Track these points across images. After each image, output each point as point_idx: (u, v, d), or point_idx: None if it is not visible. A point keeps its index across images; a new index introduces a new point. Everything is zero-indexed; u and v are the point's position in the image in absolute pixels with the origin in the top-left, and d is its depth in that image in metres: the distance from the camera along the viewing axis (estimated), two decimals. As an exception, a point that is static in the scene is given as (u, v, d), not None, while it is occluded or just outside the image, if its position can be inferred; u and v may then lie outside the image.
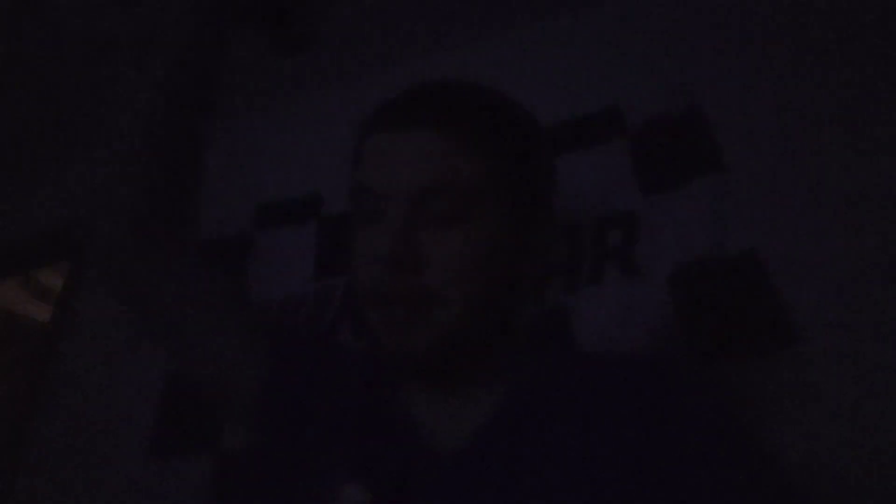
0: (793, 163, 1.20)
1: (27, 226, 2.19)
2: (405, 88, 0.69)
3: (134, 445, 1.44)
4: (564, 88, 1.45)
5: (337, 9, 1.80)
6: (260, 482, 0.69)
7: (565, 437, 0.58)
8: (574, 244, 1.26)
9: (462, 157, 0.62)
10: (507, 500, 0.57)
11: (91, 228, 1.90)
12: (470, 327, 0.62)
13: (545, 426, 0.60)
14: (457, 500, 0.58)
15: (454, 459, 0.61)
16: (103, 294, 1.77)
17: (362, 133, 0.68)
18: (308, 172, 1.62)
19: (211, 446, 1.31)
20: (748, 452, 0.59)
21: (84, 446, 1.55)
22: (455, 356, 0.64)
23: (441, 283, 0.60)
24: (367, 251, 0.61)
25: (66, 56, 1.85)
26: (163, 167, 0.69)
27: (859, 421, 0.92)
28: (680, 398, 0.60)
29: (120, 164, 0.69)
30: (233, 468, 0.71)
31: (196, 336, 0.69)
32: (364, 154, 0.66)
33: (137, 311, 0.72)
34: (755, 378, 1.00)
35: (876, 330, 0.98)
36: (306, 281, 1.46)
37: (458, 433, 0.63)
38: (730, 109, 1.29)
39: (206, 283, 0.72)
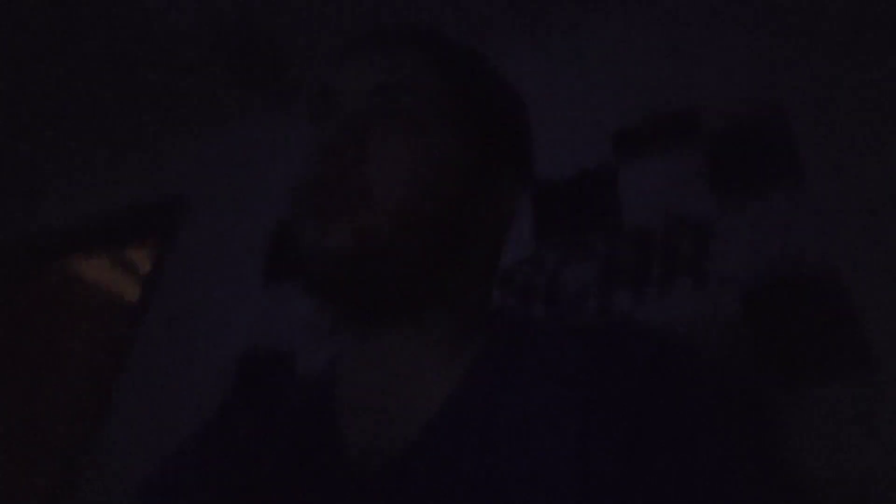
0: (880, 180, 1.13)
1: (120, 201, 2.32)
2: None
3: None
4: (640, 89, 1.42)
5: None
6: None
7: (514, 442, 0.52)
8: (642, 248, 1.24)
9: (427, 68, 0.60)
10: None
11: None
12: (399, 244, 0.55)
13: (498, 424, 0.53)
14: None
15: (377, 479, 0.55)
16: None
17: (335, 56, 0.66)
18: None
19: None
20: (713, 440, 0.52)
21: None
22: (379, 275, 0.56)
23: (376, 180, 0.54)
24: (313, 144, 0.58)
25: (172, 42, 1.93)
26: None
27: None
28: (649, 376, 0.53)
29: None
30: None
31: None
32: (331, 69, 0.64)
33: None
34: (829, 403, 0.96)
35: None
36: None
37: (390, 448, 0.56)
38: (816, 119, 1.23)
39: None
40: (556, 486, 0.49)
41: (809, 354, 1.01)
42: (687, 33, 1.44)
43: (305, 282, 0.59)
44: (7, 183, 2.41)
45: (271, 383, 0.72)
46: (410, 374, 0.58)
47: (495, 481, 0.50)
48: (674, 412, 0.51)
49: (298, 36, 1.65)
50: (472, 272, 0.62)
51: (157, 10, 1.73)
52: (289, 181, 1.90)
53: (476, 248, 0.61)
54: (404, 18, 1.63)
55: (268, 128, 2.07)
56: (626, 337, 0.56)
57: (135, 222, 2.29)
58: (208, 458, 0.64)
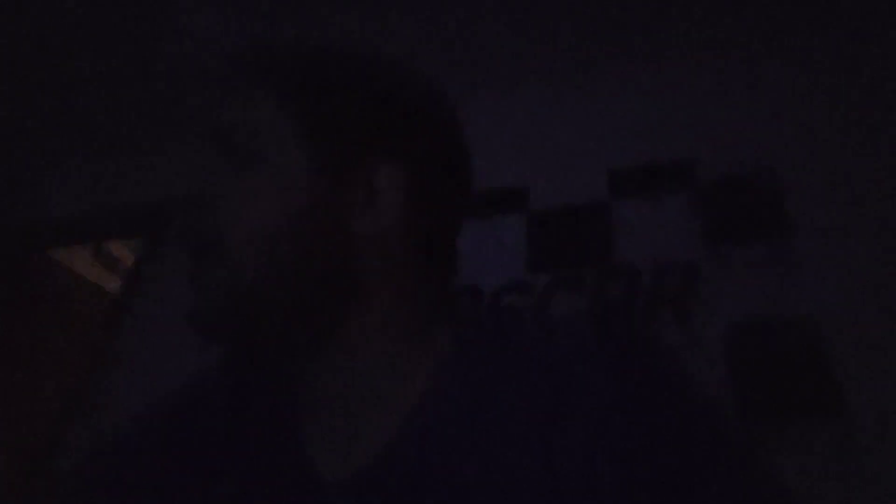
0: (861, 237, 1.20)
1: (109, 199, 2.31)
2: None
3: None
4: (640, 136, 1.48)
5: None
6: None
7: (480, 454, 0.50)
8: (630, 284, 1.28)
9: (260, 103, 0.59)
10: None
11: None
12: (265, 276, 0.54)
13: (470, 424, 0.52)
14: None
15: (338, 490, 0.54)
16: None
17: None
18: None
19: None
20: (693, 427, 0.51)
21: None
22: (255, 318, 0.55)
23: (231, 231, 0.54)
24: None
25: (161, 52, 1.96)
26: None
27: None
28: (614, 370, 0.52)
29: None
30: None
31: None
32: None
33: None
34: (800, 443, 1.00)
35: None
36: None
37: (359, 454, 0.55)
38: (804, 177, 1.30)
39: None
40: (528, 486, 0.48)
41: (784, 393, 1.06)
42: (691, 89, 1.52)
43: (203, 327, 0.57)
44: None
45: (224, 396, 0.66)
46: (368, 383, 0.57)
47: (465, 488, 0.49)
48: (646, 406, 0.50)
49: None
50: (378, 270, 0.59)
51: (152, 15, 1.76)
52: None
53: (367, 245, 0.58)
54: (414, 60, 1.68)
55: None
56: (595, 332, 0.55)
57: (125, 219, 2.29)
58: (155, 461, 0.61)
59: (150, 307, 1.88)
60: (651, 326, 1.22)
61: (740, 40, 1.53)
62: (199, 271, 0.55)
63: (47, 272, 2.54)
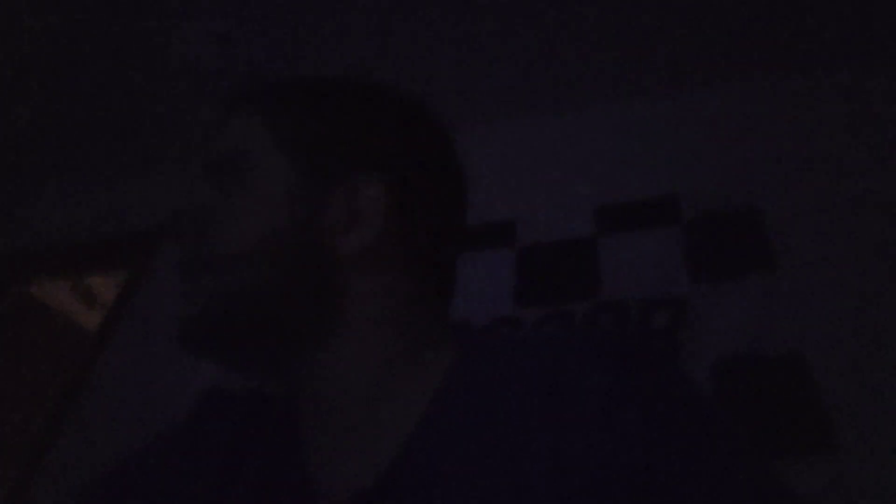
0: (844, 269, 1.22)
1: (89, 231, 2.29)
2: None
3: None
4: (626, 171, 1.50)
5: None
6: None
7: (487, 461, 0.50)
8: (618, 318, 1.28)
9: (245, 128, 0.62)
10: None
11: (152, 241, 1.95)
12: (252, 288, 0.56)
13: (473, 446, 0.51)
14: None
15: None
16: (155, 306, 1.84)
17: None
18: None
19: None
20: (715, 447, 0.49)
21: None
22: (242, 333, 0.57)
23: (217, 247, 0.57)
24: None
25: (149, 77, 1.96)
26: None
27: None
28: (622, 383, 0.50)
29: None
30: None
31: None
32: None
33: None
34: (791, 479, 1.00)
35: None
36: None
37: (360, 475, 0.54)
38: (787, 212, 1.32)
39: None
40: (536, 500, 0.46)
41: (774, 429, 1.06)
42: (674, 124, 1.55)
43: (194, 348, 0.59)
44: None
45: (231, 414, 0.67)
46: (364, 405, 0.57)
47: None
48: (650, 414, 0.48)
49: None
50: (363, 287, 0.59)
51: (132, 41, 1.76)
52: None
53: (353, 261, 0.59)
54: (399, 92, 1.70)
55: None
56: (598, 342, 0.54)
57: (105, 252, 2.26)
58: (157, 482, 0.62)
59: (130, 343, 1.85)
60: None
61: (724, 77, 1.57)
62: (189, 287, 0.57)
63: (24, 307, 2.49)
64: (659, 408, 0.49)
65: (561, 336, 0.58)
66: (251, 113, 0.63)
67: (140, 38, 1.75)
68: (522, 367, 0.54)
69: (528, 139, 1.68)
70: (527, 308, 1.43)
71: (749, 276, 1.28)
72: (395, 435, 0.55)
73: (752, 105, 1.52)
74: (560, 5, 1.50)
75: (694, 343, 1.22)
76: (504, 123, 1.71)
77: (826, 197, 1.33)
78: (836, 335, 1.14)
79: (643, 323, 1.27)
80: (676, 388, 0.51)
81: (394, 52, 1.63)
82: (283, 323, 0.57)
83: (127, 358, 1.82)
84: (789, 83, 1.52)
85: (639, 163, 1.52)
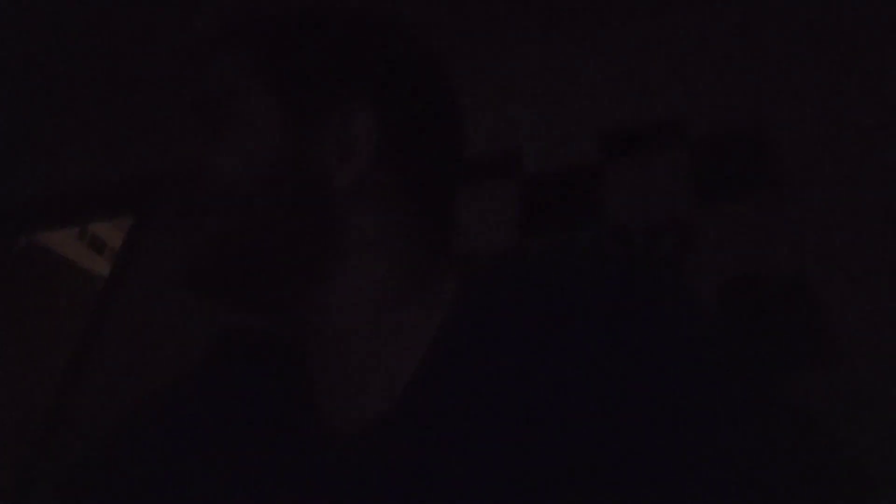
0: (847, 189, 1.21)
1: (90, 177, 2.28)
2: None
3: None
4: (631, 95, 1.47)
5: None
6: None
7: (500, 402, 0.49)
8: (623, 244, 1.29)
9: (237, 67, 0.61)
10: (411, 491, 0.50)
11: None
12: (251, 219, 0.57)
13: (479, 380, 0.51)
14: (347, 491, 0.53)
15: (350, 443, 0.54)
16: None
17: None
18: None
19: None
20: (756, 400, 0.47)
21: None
22: (244, 271, 0.58)
23: (212, 188, 0.57)
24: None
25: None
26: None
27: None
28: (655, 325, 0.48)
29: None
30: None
31: None
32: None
33: None
34: (799, 393, 1.02)
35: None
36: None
37: (369, 408, 0.55)
38: (793, 132, 1.30)
39: None
40: (540, 438, 0.46)
41: (778, 346, 1.07)
42: (678, 46, 1.50)
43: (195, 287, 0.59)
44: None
45: (243, 353, 0.68)
46: (369, 339, 0.57)
47: (475, 443, 0.48)
48: (651, 351, 0.46)
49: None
50: (362, 218, 0.59)
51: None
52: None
53: (353, 200, 0.58)
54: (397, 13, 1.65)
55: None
56: (601, 273, 0.52)
57: (108, 197, 2.26)
58: (175, 423, 0.63)
59: (141, 286, 1.86)
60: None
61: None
62: (188, 229, 0.57)
63: (33, 257, 2.51)
64: (659, 346, 0.47)
65: (564, 266, 0.56)
66: (237, 50, 0.62)
67: None
68: (524, 298, 0.54)
69: (529, 65, 1.64)
70: (531, 237, 1.43)
71: (755, 197, 1.27)
72: (402, 368, 0.55)
73: (756, 24, 1.47)
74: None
75: (700, 266, 1.22)
76: (505, 50, 1.67)
77: (832, 115, 1.30)
78: (839, 252, 1.14)
79: (649, 249, 1.27)
80: (679, 320, 0.49)
81: None
82: (283, 259, 0.57)
83: (136, 302, 1.84)
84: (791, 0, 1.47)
85: (643, 86, 1.48)
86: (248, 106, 0.59)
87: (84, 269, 2.80)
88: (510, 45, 1.66)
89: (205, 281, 0.58)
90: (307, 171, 0.58)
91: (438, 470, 0.49)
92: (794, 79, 1.37)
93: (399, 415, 0.53)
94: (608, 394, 0.46)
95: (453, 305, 0.57)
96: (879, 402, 0.97)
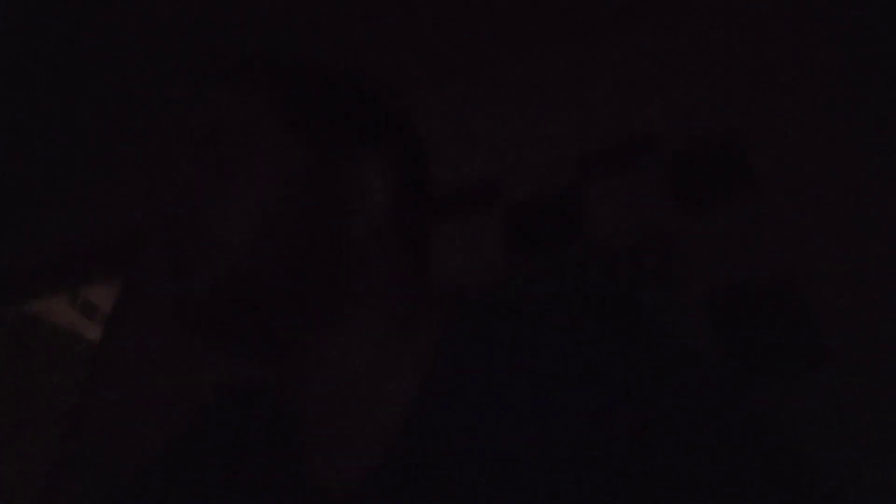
0: (828, 187, 1.21)
1: (76, 242, 2.26)
2: None
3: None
4: (603, 114, 1.49)
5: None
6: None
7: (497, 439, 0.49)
8: (609, 262, 1.28)
9: (243, 105, 0.59)
10: None
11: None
12: (267, 272, 0.54)
13: (469, 421, 0.51)
14: None
15: (340, 497, 0.53)
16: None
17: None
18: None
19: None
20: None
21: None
22: (250, 307, 0.55)
23: (216, 232, 0.55)
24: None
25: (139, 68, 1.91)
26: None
27: (891, 441, 0.92)
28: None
29: None
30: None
31: None
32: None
33: None
34: (789, 398, 1.00)
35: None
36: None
37: (354, 462, 0.54)
38: (768, 134, 1.31)
39: None
40: (536, 476, 0.46)
41: (767, 352, 1.06)
42: (648, 61, 1.52)
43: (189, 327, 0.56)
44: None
45: (235, 412, 0.67)
46: (361, 383, 0.56)
47: (469, 485, 0.48)
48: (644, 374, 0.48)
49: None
50: (368, 266, 0.59)
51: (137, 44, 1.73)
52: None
53: (359, 240, 0.58)
54: (365, 43, 1.67)
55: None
56: (583, 311, 0.53)
57: (94, 259, 2.24)
58: (170, 483, 0.62)
59: (128, 347, 1.85)
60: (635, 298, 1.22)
61: (694, 11, 1.54)
62: (188, 269, 0.54)
63: (24, 328, 2.50)
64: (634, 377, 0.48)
65: (544, 302, 0.57)
66: (251, 89, 0.60)
67: (126, 39, 1.72)
68: (516, 341, 0.54)
69: (498, 93, 1.66)
70: (518, 265, 1.43)
71: (736, 205, 1.27)
72: (393, 417, 0.54)
73: (725, 32, 1.49)
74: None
75: (687, 278, 1.22)
76: (473, 79, 1.69)
77: (806, 112, 1.31)
78: (825, 254, 1.14)
79: (633, 265, 1.27)
80: (657, 345, 0.51)
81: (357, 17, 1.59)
82: (288, 306, 0.56)
83: (127, 363, 1.82)
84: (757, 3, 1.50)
85: (616, 104, 1.50)
86: (262, 147, 0.57)
87: (78, 335, 2.78)
88: (477, 75, 1.68)
89: (206, 325, 0.56)
90: (325, 219, 0.57)
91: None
92: (767, 85, 1.39)
93: (391, 468, 0.52)
94: (594, 427, 0.47)
95: (440, 351, 0.57)
96: (871, 406, 0.95)
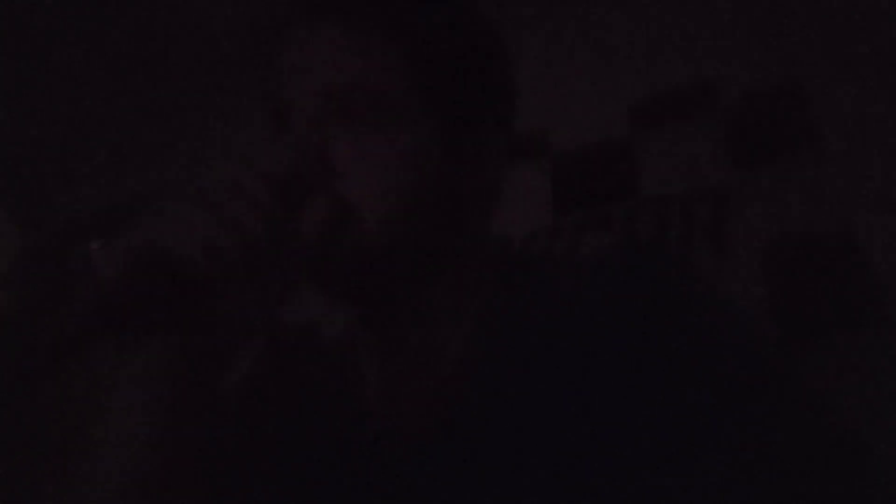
0: (892, 139, 1.17)
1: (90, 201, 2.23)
2: None
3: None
4: (657, 61, 1.45)
5: None
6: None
7: (550, 388, 0.50)
8: (660, 216, 1.27)
9: (383, 58, 0.54)
10: (467, 491, 0.50)
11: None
12: (395, 247, 0.54)
13: (522, 378, 0.52)
14: (405, 493, 0.53)
15: (405, 447, 0.54)
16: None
17: (273, 28, 0.59)
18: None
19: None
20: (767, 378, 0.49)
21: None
22: (380, 280, 0.55)
23: (356, 197, 0.52)
24: (270, 159, 0.52)
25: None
26: None
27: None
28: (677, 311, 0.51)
29: None
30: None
31: None
32: (274, 54, 0.58)
33: None
34: (843, 355, 1.00)
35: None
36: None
37: (421, 409, 0.56)
38: (828, 85, 1.26)
39: None
40: (586, 432, 0.48)
41: (823, 309, 1.05)
42: (700, 8, 1.47)
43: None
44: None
45: (296, 358, 0.72)
46: (426, 340, 0.58)
47: (523, 439, 0.49)
48: (686, 343, 0.48)
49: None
50: (469, 236, 0.60)
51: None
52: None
53: (471, 215, 0.59)
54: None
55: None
56: (630, 269, 0.54)
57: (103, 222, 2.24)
58: (234, 431, 0.64)
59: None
60: (686, 256, 1.21)
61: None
62: (330, 235, 0.51)
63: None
64: (695, 343, 0.48)
65: (585, 269, 0.58)
66: (376, 36, 0.54)
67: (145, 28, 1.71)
68: (555, 292, 0.56)
69: (547, 42, 1.62)
70: (566, 216, 1.42)
71: (793, 157, 1.24)
72: (448, 365, 0.56)
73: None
74: None
75: (741, 232, 1.20)
76: (521, 28, 1.65)
77: (871, 63, 1.26)
78: (886, 209, 1.11)
79: (686, 218, 1.25)
80: (714, 321, 0.51)
81: None
82: (403, 263, 0.56)
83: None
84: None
85: (668, 53, 1.45)
86: (399, 110, 0.54)
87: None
88: (526, 23, 1.63)
89: (347, 284, 0.56)
90: (449, 183, 0.57)
91: (493, 470, 0.50)
92: (825, 32, 1.33)
93: (451, 414, 0.54)
94: (641, 391, 0.47)
95: (489, 305, 0.58)
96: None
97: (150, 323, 0.45)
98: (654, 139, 1.40)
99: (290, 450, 0.61)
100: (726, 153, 1.30)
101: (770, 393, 0.48)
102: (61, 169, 2.08)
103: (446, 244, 0.58)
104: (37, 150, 2.03)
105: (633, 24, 1.53)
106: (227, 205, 0.45)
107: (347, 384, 0.63)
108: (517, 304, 0.57)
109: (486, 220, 0.63)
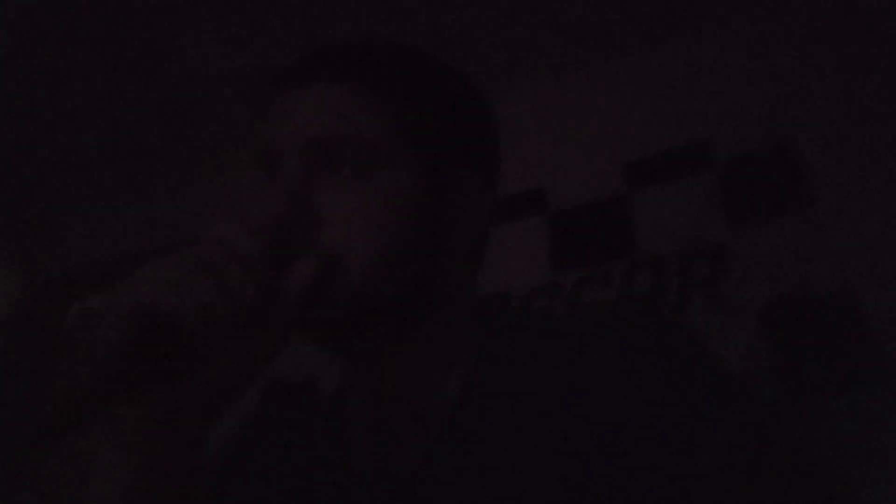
0: (885, 197, 1.18)
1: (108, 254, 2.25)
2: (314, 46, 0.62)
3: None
4: (652, 123, 1.48)
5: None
6: None
7: (535, 432, 0.51)
8: (657, 273, 1.27)
9: (364, 109, 0.56)
10: None
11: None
12: (380, 295, 0.55)
13: (508, 424, 0.53)
14: None
15: (386, 496, 0.55)
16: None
17: (266, 93, 0.61)
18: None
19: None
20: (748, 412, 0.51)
21: None
22: (366, 326, 0.56)
23: (339, 246, 0.53)
24: (261, 211, 0.53)
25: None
26: None
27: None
28: (658, 353, 0.52)
29: None
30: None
31: None
32: (266, 114, 0.60)
33: None
34: (846, 414, 0.99)
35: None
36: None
37: (405, 455, 0.56)
38: (821, 145, 1.29)
39: None
40: (569, 487, 0.48)
41: (823, 368, 1.05)
42: (696, 69, 1.51)
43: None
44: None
45: (287, 408, 0.73)
46: (414, 387, 0.59)
47: (504, 491, 0.50)
48: (682, 398, 0.49)
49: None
50: (454, 282, 0.61)
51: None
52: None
53: (454, 260, 0.60)
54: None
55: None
56: (623, 320, 0.56)
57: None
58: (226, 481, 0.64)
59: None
60: (683, 313, 1.21)
61: (745, 16, 1.51)
62: (317, 289, 0.52)
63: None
64: (691, 398, 0.49)
65: (578, 320, 0.61)
66: (358, 90, 0.56)
67: (153, 45, 1.75)
68: (554, 354, 0.56)
69: (545, 102, 1.66)
70: (564, 274, 1.43)
71: (789, 215, 1.25)
72: (434, 414, 0.57)
73: (774, 39, 1.46)
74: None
75: (737, 290, 1.20)
76: (519, 89, 1.69)
77: (862, 123, 1.29)
78: (883, 267, 1.12)
79: (682, 276, 1.26)
80: (709, 375, 0.52)
81: (400, 13, 1.58)
82: (387, 312, 0.56)
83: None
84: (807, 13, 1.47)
85: (664, 113, 1.48)
86: (385, 159, 0.55)
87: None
88: (523, 84, 1.67)
89: (332, 333, 0.57)
90: (433, 230, 0.58)
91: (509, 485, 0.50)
92: (818, 91, 1.36)
93: (432, 463, 0.55)
94: (634, 444, 0.48)
95: (482, 357, 0.59)
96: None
97: (144, 384, 0.45)
98: (650, 197, 1.42)
99: (276, 494, 0.62)
100: (722, 210, 1.31)
101: (763, 455, 0.48)
102: (60, 222, 2.10)
103: (431, 293, 0.59)
104: (36, 204, 2.05)
105: (631, 85, 1.57)
106: (222, 268, 0.46)
107: (333, 429, 0.64)
108: (506, 355, 0.58)
109: (473, 270, 0.64)
